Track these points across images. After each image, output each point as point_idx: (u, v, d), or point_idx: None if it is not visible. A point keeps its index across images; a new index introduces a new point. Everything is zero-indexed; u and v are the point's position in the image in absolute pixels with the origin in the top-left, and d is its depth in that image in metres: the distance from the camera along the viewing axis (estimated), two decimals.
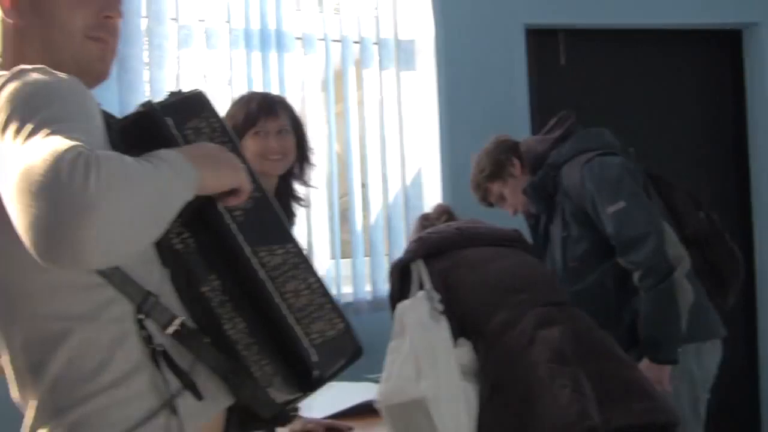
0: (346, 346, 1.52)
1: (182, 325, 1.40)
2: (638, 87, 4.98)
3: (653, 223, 2.92)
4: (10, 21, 1.52)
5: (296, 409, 1.60)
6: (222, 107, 3.86)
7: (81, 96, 1.35)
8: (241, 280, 1.45)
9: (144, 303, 1.38)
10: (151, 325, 1.39)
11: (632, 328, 2.98)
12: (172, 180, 1.26)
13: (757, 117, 5.09)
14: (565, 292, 2.84)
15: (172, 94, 1.57)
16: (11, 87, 1.31)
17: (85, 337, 1.36)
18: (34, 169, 1.13)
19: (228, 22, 4.02)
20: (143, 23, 3.87)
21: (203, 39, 3.99)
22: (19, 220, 1.15)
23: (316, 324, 1.47)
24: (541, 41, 4.80)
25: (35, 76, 1.34)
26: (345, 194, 4.32)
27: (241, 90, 3.95)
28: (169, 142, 1.44)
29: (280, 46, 4.10)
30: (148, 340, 1.38)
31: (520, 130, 4.30)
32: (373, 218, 4.36)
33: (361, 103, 4.42)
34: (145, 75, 3.85)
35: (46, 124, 1.22)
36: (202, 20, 3.99)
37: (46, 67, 1.37)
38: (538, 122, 4.43)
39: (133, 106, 3.62)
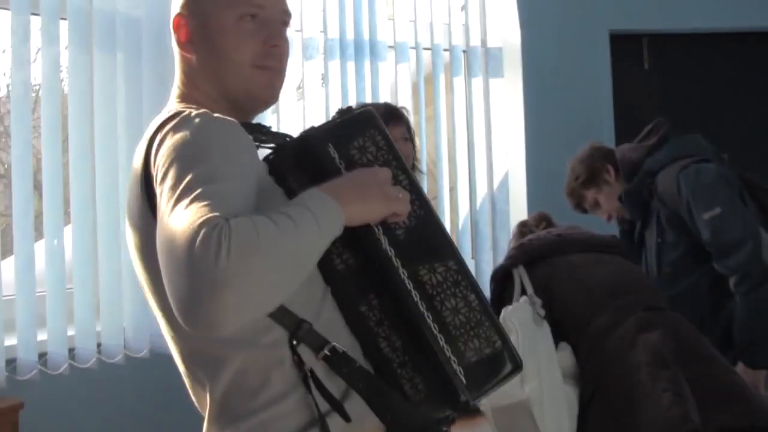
0: (503, 363, 1.53)
1: (332, 350, 1.45)
2: (723, 90, 5.01)
3: (749, 229, 2.95)
4: (186, 54, 1.62)
5: (447, 428, 1.61)
6: (321, 116, 4.02)
7: (235, 144, 1.42)
8: (396, 300, 1.47)
9: (298, 330, 1.44)
10: (304, 351, 1.45)
11: (727, 333, 3.02)
12: (313, 234, 1.31)
13: None
14: (664, 296, 2.89)
15: (341, 112, 1.64)
16: (176, 137, 1.40)
17: (246, 360, 1.44)
18: (174, 241, 1.23)
19: (323, 32, 4.16)
20: None
21: (300, 49, 4.14)
22: (165, 285, 1.24)
23: (473, 342, 1.48)
24: (626, 47, 4.86)
25: (197, 124, 1.41)
26: (434, 197, 4.43)
27: (335, 98, 4.09)
28: (328, 172, 1.49)
29: (374, 54, 4.22)
30: (300, 364, 1.44)
31: (605, 135, 4.37)
32: (461, 222, 4.45)
33: (450, 109, 4.51)
34: None
35: (195, 184, 1.29)
36: (299, 30, 4.13)
37: (208, 112, 1.45)
38: (622, 127, 4.49)
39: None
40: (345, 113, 1.61)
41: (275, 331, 1.44)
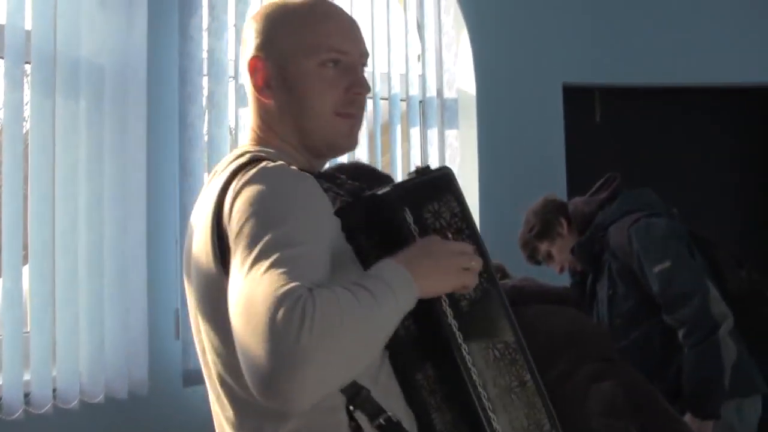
0: None
1: (387, 419, 1.44)
2: (673, 144, 5.15)
3: (698, 282, 3.06)
4: (263, 99, 1.61)
5: None
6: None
7: (314, 204, 1.41)
8: (453, 373, 1.47)
9: (356, 396, 1.43)
10: (360, 417, 1.44)
11: (677, 383, 3.10)
12: (392, 310, 1.30)
13: None
14: (615, 347, 2.97)
15: (419, 171, 1.58)
16: (252, 190, 1.37)
17: (303, 421, 1.43)
18: (253, 310, 1.21)
19: None
20: (204, 81, 4.06)
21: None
22: (239, 353, 1.23)
23: (522, 422, 1.49)
24: (578, 99, 5.00)
25: (276, 178, 1.40)
26: None
27: None
28: (401, 237, 1.47)
29: None
30: (357, 429, 1.44)
31: (558, 187, 4.46)
32: None
33: (406, 158, 4.60)
34: (204, 131, 4.04)
35: (274, 247, 1.28)
36: None
37: (286, 165, 1.44)
38: (575, 180, 4.59)
39: (191, 164, 3.86)
40: (423, 173, 1.58)
41: (335, 396, 1.42)
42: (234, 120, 4.17)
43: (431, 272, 1.41)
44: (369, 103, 4.45)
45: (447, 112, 4.74)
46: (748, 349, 3.22)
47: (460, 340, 1.47)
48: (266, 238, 1.30)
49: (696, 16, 5.08)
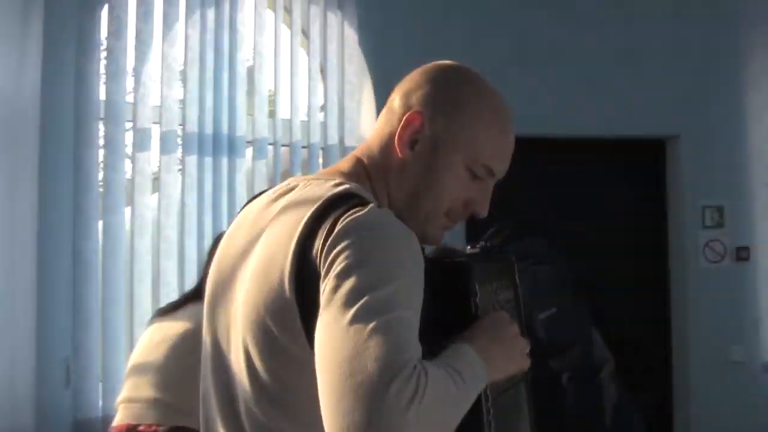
0: None
1: None
2: (567, 194, 5.31)
3: (581, 329, 3.14)
4: (399, 151, 1.53)
5: None
6: (176, 208, 4.04)
7: (419, 265, 1.34)
8: None
9: None
10: None
11: (561, 426, 3.16)
12: (473, 396, 1.32)
13: (676, 220, 5.51)
14: None
15: (486, 250, 1.69)
16: (363, 234, 1.30)
17: None
18: (363, 367, 1.18)
19: (182, 125, 4.25)
20: (101, 125, 4.06)
21: (158, 142, 4.20)
22: (332, 413, 1.19)
23: None
24: None
25: (388, 227, 1.34)
26: None
27: (191, 192, 4.12)
28: (463, 310, 1.47)
29: (232, 149, 4.32)
30: None
31: (455, 234, 4.51)
32: None
33: None
34: (100, 176, 4.03)
35: (383, 306, 1.23)
36: (157, 123, 4.20)
37: (392, 215, 1.38)
38: (471, 225, 4.64)
39: (86, 208, 3.82)
40: (489, 252, 1.70)
41: None
42: (132, 164, 4.15)
43: (499, 358, 1.43)
44: (269, 149, 4.48)
45: None
46: (628, 390, 3.30)
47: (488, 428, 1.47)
48: (376, 294, 1.24)
49: (587, 72, 5.26)
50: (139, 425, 2.91)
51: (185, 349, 2.94)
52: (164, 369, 2.92)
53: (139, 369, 3.06)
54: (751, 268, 5.49)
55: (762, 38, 5.57)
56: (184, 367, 2.91)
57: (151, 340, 3.12)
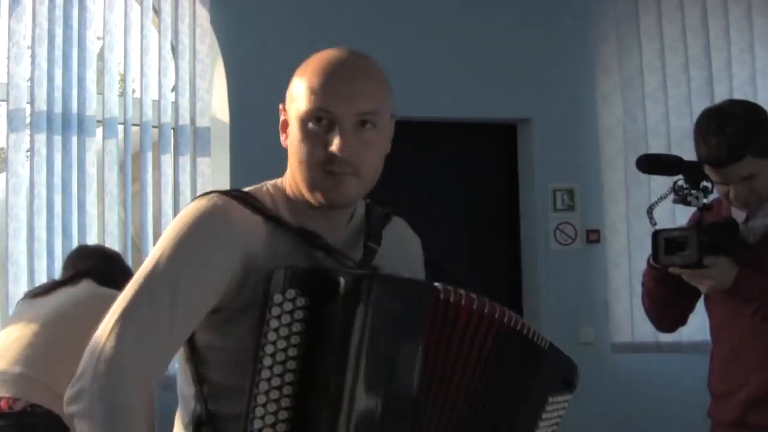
0: None
1: None
2: (420, 176, 5.77)
3: None
4: (283, 141, 1.87)
5: None
6: (26, 189, 4.37)
7: (208, 242, 1.72)
8: None
9: None
10: None
11: None
12: None
13: (528, 203, 6.02)
14: None
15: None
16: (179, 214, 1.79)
17: None
18: (91, 344, 1.64)
19: (30, 103, 4.57)
20: None
21: (5, 121, 4.53)
22: None
23: None
24: None
25: (191, 206, 1.78)
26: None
27: (41, 172, 4.46)
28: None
29: (82, 129, 4.69)
30: None
31: None
32: None
33: (157, 186, 4.98)
34: None
35: (145, 281, 1.67)
36: (4, 100, 4.52)
37: (216, 193, 1.80)
38: None
39: None
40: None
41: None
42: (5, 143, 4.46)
43: None
44: (120, 129, 4.85)
45: (199, 140, 5.14)
46: None
47: None
48: (146, 271, 1.73)
49: (441, 54, 5.72)
50: None
51: (55, 329, 3.38)
52: (32, 345, 3.31)
53: (5, 344, 3.42)
54: (600, 251, 5.97)
55: (612, 21, 6.06)
56: (53, 344, 3.34)
57: (21, 317, 3.52)
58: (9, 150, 4.51)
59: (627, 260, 5.97)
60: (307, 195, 1.81)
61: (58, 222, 4.55)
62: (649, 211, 2.95)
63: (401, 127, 5.44)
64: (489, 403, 1.80)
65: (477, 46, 5.80)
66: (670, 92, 6.05)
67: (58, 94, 4.63)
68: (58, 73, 4.64)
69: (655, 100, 6.07)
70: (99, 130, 4.82)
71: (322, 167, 1.75)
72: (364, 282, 1.61)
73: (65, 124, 4.64)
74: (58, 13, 4.66)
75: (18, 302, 3.85)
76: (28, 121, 4.60)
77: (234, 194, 1.81)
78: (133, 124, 4.97)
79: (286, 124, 1.85)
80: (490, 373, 1.78)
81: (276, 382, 1.57)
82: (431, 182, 5.84)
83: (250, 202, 1.80)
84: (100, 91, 4.87)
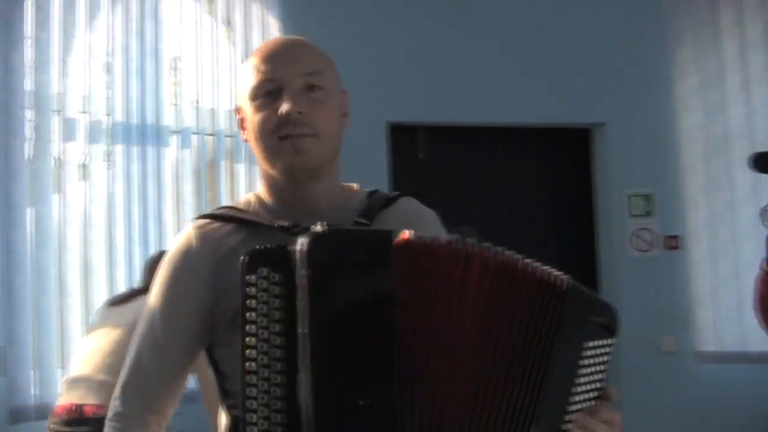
0: None
1: None
2: (495, 181, 5.96)
3: None
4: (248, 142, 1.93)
5: None
6: (104, 198, 4.66)
7: (173, 275, 1.89)
8: None
9: None
10: None
11: None
12: None
13: (603, 208, 6.16)
14: None
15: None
16: None
17: None
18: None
19: (109, 115, 4.87)
20: (28, 115, 4.64)
21: (85, 132, 4.82)
22: None
23: None
24: (403, 137, 5.77)
25: (174, 243, 1.92)
26: None
27: (119, 181, 4.78)
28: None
29: (158, 139, 5.00)
30: None
31: None
32: None
33: (231, 194, 5.26)
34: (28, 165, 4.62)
35: (133, 344, 1.91)
36: (84, 113, 4.82)
37: (192, 221, 1.93)
38: None
39: (14, 197, 4.41)
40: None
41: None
42: (59, 154, 4.74)
43: None
44: (194, 139, 5.15)
45: None
46: None
47: None
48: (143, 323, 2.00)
49: (514, 60, 5.92)
50: (84, 405, 3.50)
51: None
52: (114, 353, 3.51)
53: (89, 351, 3.65)
54: (681, 257, 6.07)
55: (689, 24, 6.17)
56: None
57: (103, 325, 3.73)
58: (89, 160, 4.79)
59: (710, 267, 6.03)
60: (273, 171, 1.86)
61: (136, 231, 4.82)
62: (762, 212, 3.01)
63: (477, 132, 5.80)
64: (500, 358, 1.62)
65: (552, 51, 5.97)
66: (753, 92, 6.09)
67: (134, 106, 4.92)
68: (135, 84, 4.93)
69: (737, 101, 6.10)
70: (174, 140, 5.10)
71: (277, 134, 1.80)
72: (317, 239, 1.56)
73: (142, 134, 4.93)
74: (134, 26, 4.97)
75: (98, 310, 4.07)
76: (106, 132, 4.88)
77: (208, 214, 1.94)
78: (208, 134, 5.23)
79: (243, 121, 1.91)
80: (492, 322, 1.62)
81: (263, 359, 1.57)
82: (507, 188, 5.99)
83: (222, 215, 1.91)
84: (175, 102, 5.16)
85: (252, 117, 1.84)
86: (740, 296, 5.86)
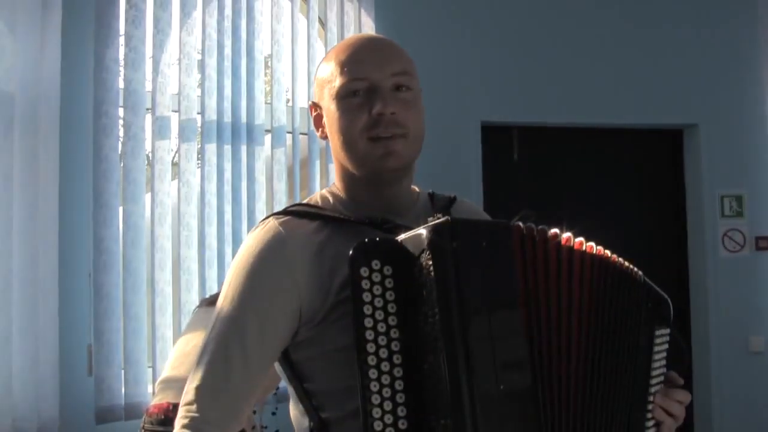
0: None
1: None
2: (587, 182, 5.38)
3: None
4: (322, 139, 1.74)
5: None
6: (196, 196, 4.07)
7: (264, 271, 1.59)
8: None
9: None
10: None
11: None
12: None
13: (694, 209, 5.54)
14: None
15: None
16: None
17: None
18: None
19: (201, 114, 4.29)
20: (120, 113, 4.09)
21: (177, 130, 4.24)
22: None
23: None
24: (496, 137, 5.17)
25: (251, 239, 1.64)
26: None
27: (211, 180, 4.16)
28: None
29: (251, 138, 4.37)
30: None
31: None
32: None
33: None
34: (120, 164, 4.07)
35: (212, 344, 1.62)
36: (176, 111, 4.24)
37: (273, 216, 1.65)
38: (493, 216, 4.67)
39: (106, 196, 3.85)
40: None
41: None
42: (151, 152, 4.18)
43: None
44: (288, 137, 4.53)
45: None
46: None
47: None
48: (215, 328, 1.67)
49: (606, 61, 5.32)
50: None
51: None
52: None
53: (185, 351, 3.22)
54: None
55: None
56: None
57: (198, 325, 3.26)
58: (181, 159, 4.23)
59: None
60: (358, 172, 1.66)
61: (228, 230, 4.25)
62: None
63: (570, 133, 5.08)
64: (603, 353, 1.56)
65: (643, 51, 5.42)
66: None
67: (227, 104, 4.35)
68: (228, 83, 4.36)
69: None
70: (267, 139, 4.52)
71: (367, 134, 1.61)
72: (445, 228, 1.43)
73: (234, 133, 4.35)
74: (227, 24, 4.39)
75: (194, 310, 3.64)
76: (198, 130, 4.34)
77: (290, 210, 1.68)
78: (301, 133, 4.68)
79: (319, 117, 1.73)
80: (601, 313, 1.57)
81: (383, 353, 1.42)
82: (598, 189, 5.45)
83: (307, 212, 1.67)
84: (268, 101, 4.58)
85: (338, 116, 1.65)
86: None
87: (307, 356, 1.62)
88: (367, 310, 1.43)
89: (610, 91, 5.29)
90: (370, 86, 1.62)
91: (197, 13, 4.34)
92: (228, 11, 4.37)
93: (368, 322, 1.42)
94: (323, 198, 1.72)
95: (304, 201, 1.74)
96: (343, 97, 1.63)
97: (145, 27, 4.16)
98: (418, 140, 1.68)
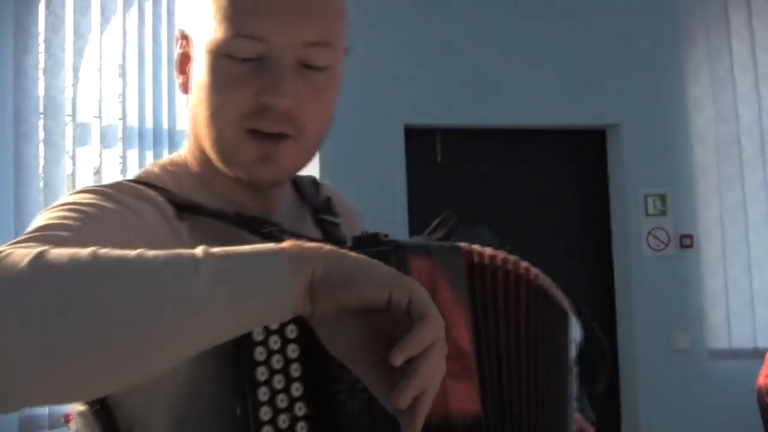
0: None
1: None
2: (510, 183, 5.64)
3: None
4: (182, 90, 1.29)
5: None
6: None
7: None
8: None
9: None
10: None
11: None
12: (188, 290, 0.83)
13: (619, 208, 5.84)
14: None
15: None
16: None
17: None
18: None
19: (122, 119, 4.50)
20: (40, 120, 4.30)
21: (98, 137, 4.46)
22: None
23: None
24: (419, 139, 5.44)
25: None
26: None
27: None
28: None
29: (173, 143, 4.62)
30: None
31: (399, 225, 4.83)
32: None
33: None
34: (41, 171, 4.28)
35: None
36: (97, 117, 4.46)
37: (115, 185, 1.16)
38: (416, 218, 4.98)
39: (27, 202, 4.06)
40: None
41: None
42: (72, 159, 4.39)
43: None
44: None
45: None
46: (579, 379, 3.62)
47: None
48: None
49: (531, 62, 5.57)
50: None
51: None
52: None
53: None
54: (694, 256, 5.79)
55: (702, 25, 5.89)
56: None
57: None
58: (102, 165, 4.45)
59: (722, 265, 5.83)
60: (221, 165, 1.22)
61: None
62: None
63: (493, 134, 5.40)
64: (537, 374, 1.38)
65: (565, 53, 5.69)
66: (763, 93, 5.90)
67: (149, 110, 4.58)
68: (149, 89, 4.60)
69: (748, 102, 5.92)
70: None
71: (243, 124, 1.16)
72: (392, 255, 1.13)
73: (156, 138, 4.59)
74: (148, 30, 4.62)
75: None
76: (120, 136, 4.54)
77: (124, 184, 1.17)
78: None
79: (186, 59, 1.23)
80: (534, 339, 1.37)
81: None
82: (522, 189, 5.71)
83: (148, 194, 1.15)
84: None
85: (208, 83, 1.16)
86: (752, 294, 5.76)
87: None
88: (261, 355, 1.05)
89: (534, 93, 5.52)
90: (265, 54, 1.15)
91: (117, 18, 4.52)
92: (149, 17, 4.58)
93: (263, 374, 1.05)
94: (167, 175, 1.26)
95: (141, 177, 1.25)
96: (221, 55, 1.15)
97: (64, 33, 4.35)
98: (315, 145, 1.26)
